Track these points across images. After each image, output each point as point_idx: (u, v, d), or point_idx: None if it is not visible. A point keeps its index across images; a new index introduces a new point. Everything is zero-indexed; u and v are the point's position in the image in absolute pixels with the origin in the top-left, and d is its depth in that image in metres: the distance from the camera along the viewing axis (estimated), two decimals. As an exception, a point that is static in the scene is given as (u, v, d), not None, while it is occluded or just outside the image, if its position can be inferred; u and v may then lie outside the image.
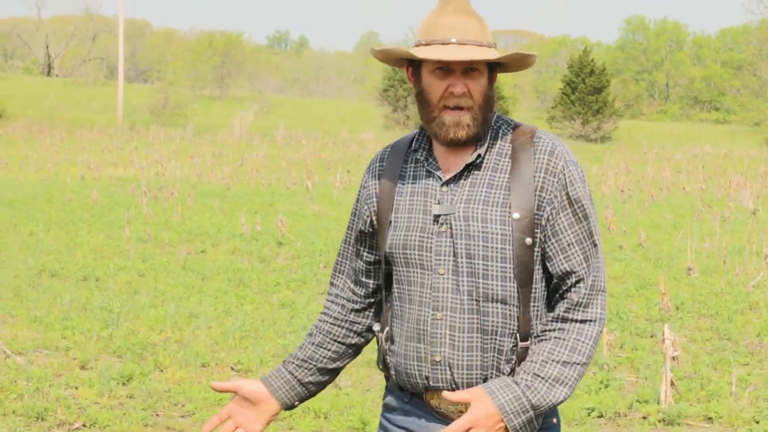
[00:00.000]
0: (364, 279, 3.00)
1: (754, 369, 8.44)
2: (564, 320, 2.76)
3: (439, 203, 2.79)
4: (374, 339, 3.04)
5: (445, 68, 2.74)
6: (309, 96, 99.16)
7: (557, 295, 2.80)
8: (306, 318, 9.82)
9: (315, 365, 3.01)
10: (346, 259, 3.04)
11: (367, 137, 48.27)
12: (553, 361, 2.71)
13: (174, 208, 18.43)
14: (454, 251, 2.75)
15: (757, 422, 7.02)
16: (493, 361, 2.75)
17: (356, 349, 3.06)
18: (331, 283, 3.08)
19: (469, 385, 2.75)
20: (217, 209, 19.27)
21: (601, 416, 7.10)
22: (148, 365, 8.03)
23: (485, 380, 2.75)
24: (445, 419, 2.82)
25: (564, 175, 2.78)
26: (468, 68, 2.74)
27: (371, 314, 3.03)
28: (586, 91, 57.91)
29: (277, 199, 21.92)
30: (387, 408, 2.96)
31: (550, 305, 2.82)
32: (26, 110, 55.53)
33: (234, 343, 8.85)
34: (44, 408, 6.81)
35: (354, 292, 3.02)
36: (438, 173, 2.82)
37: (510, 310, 2.75)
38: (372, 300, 3.02)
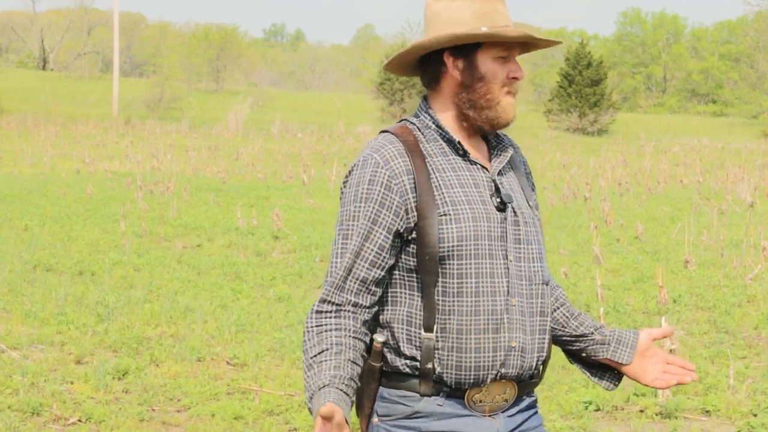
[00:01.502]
0: (374, 288, 2.80)
1: (752, 362, 8.42)
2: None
3: (499, 192, 2.83)
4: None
5: (505, 55, 2.84)
6: (305, 89, 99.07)
7: None
8: (302, 312, 9.79)
9: (355, 382, 2.76)
10: (345, 271, 2.79)
11: (363, 130, 48.24)
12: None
13: (169, 202, 18.40)
14: (517, 238, 2.83)
15: (755, 415, 7.00)
16: (545, 342, 2.88)
17: None
18: (324, 300, 2.80)
19: (530, 369, 2.84)
20: (212, 203, 19.24)
21: (598, 410, 7.08)
22: (144, 360, 8.01)
23: (536, 363, 2.86)
24: (481, 414, 2.81)
25: (529, 167, 3.07)
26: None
27: (371, 325, 2.87)
28: (583, 84, 57.92)
29: (273, 192, 21.89)
30: (413, 416, 2.81)
31: None
32: (21, 104, 55.47)
33: (230, 338, 8.82)
34: (39, 403, 6.79)
35: (356, 304, 2.79)
36: (480, 163, 2.85)
37: (549, 291, 2.91)
38: (376, 309, 2.85)
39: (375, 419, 2.86)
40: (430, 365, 2.78)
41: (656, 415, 6.98)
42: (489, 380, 2.78)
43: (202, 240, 14.67)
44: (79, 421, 6.64)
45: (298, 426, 6.63)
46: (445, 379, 2.79)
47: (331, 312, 2.79)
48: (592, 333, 3.02)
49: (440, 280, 2.77)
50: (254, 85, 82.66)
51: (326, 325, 2.78)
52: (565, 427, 6.68)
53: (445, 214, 2.77)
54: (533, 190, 3.01)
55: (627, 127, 56.12)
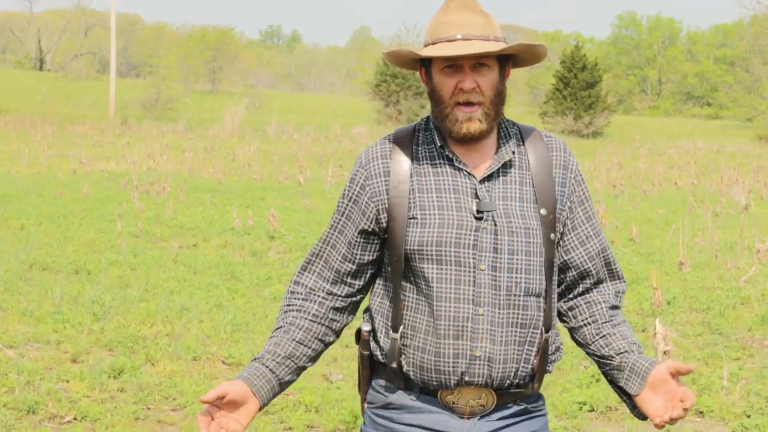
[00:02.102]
0: (349, 280, 2.91)
1: (746, 363, 8.45)
2: (615, 308, 3.00)
3: (478, 200, 2.79)
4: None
5: (453, 65, 2.78)
6: (301, 91, 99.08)
7: (580, 285, 2.98)
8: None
9: (295, 363, 2.88)
10: (321, 260, 2.92)
11: (359, 132, 48.24)
12: (635, 343, 2.95)
13: (166, 203, 18.41)
14: (495, 247, 2.78)
15: (749, 416, 7.03)
16: (526, 354, 2.84)
17: (327, 348, 2.98)
18: (297, 282, 2.94)
19: (503, 379, 2.82)
20: (208, 203, 19.24)
21: (592, 410, 7.10)
22: (140, 359, 8.02)
23: (515, 373, 2.83)
24: (459, 415, 2.83)
25: (578, 171, 2.93)
26: (477, 63, 2.78)
27: (349, 312, 2.96)
28: (578, 87, 57.94)
29: (269, 193, 21.90)
30: (388, 407, 2.89)
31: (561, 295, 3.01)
32: (18, 105, 55.41)
33: (225, 337, 8.84)
34: (35, 401, 6.80)
35: (330, 292, 2.91)
36: (467, 170, 2.82)
37: (542, 303, 2.84)
38: (354, 299, 2.95)
39: (365, 405, 2.98)
40: (395, 364, 2.84)
41: (650, 415, 7.00)
42: (452, 384, 2.80)
43: (198, 240, 14.68)
44: (75, 419, 6.65)
45: (292, 425, 6.66)
46: (411, 377, 2.84)
47: (300, 294, 2.93)
48: (613, 357, 2.92)
49: (408, 279, 2.83)
50: (250, 86, 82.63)
51: (292, 305, 2.92)
52: (559, 428, 6.70)
53: (413, 218, 2.80)
54: (559, 188, 2.88)
55: (622, 130, 56.20)
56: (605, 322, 2.96)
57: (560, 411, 7.03)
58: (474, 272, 2.76)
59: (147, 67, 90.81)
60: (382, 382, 2.91)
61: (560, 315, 3.02)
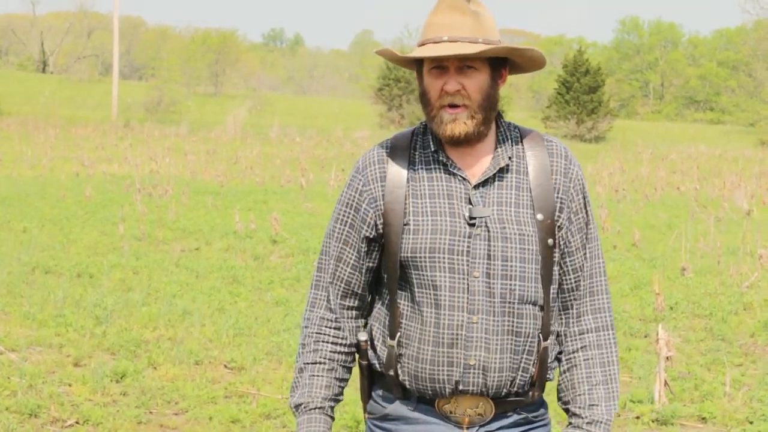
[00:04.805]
0: (360, 291, 2.89)
1: (748, 369, 8.45)
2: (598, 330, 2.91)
3: (471, 205, 2.75)
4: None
5: (439, 67, 2.72)
6: (303, 94, 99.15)
7: (572, 295, 2.88)
8: (299, 316, 9.80)
9: (339, 399, 2.96)
10: (328, 273, 2.90)
11: (361, 136, 48.22)
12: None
13: (168, 206, 18.41)
14: (488, 254, 2.72)
15: (751, 423, 7.02)
16: (522, 362, 2.78)
17: None
18: (330, 308, 2.91)
19: (499, 388, 2.77)
20: (211, 207, 19.24)
21: (594, 416, 7.09)
22: (142, 363, 8.02)
23: (513, 382, 2.78)
24: (458, 425, 2.80)
25: (579, 179, 2.85)
26: (464, 66, 2.72)
27: (364, 326, 2.96)
28: (580, 91, 57.92)
29: (271, 196, 21.90)
30: (387, 418, 2.87)
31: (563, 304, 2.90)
32: (21, 107, 55.43)
33: (227, 341, 8.84)
34: (37, 405, 6.80)
35: (349, 308, 2.91)
36: (462, 175, 2.77)
37: (538, 311, 2.78)
38: (366, 311, 2.94)
39: (366, 415, 2.97)
40: (392, 372, 2.82)
41: (652, 422, 7.01)
42: (447, 393, 2.77)
43: (201, 243, 14.68)
44: (77, 423, 6.65)
45: (295, 429, 6.64)
46: (407, 386, 2.81)
47: (330, 320, 2.93)
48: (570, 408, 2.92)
49: (403, 287, 2.79)
50: (253, 89, 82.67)
51: (330, 336, 2.93)
52: (561, 433, 6.70)
53: (407, 224, 2.76)
54: (557, 194, 2.80)
55: (624, 134, 56.15)
56: (578, 372, 2.91)
57: (562, 417, 7.02)
58: (467, 279, 2.71)
59: (150, 70, 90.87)
60: (381, 392, 2.89)
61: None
